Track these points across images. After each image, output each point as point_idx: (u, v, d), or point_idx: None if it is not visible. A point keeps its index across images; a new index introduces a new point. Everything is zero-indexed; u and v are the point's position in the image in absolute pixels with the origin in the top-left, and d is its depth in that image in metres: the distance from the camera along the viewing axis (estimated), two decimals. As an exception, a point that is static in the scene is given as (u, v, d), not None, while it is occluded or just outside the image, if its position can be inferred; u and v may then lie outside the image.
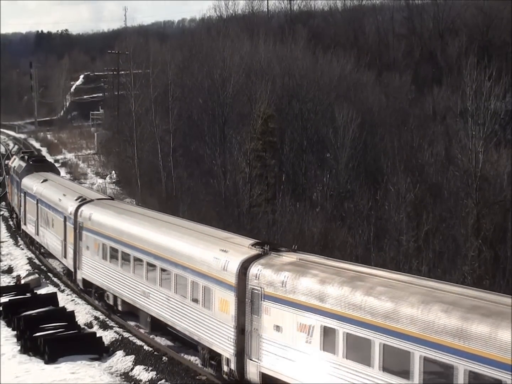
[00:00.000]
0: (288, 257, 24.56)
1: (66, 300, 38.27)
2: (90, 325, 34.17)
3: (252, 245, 25.93)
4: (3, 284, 41.81)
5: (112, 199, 43.39)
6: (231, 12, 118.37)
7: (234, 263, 25.04)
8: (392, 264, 44.87)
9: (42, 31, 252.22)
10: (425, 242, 48.49)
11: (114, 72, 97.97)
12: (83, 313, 35.78)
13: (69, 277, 42.11)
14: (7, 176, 69.57)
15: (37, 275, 43.00)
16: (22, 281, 41.98)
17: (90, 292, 37.74)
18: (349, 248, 49.08)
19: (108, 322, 34.50)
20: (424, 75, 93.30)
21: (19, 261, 49.12)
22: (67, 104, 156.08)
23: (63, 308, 35.49)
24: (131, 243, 32.43)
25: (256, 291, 23.98)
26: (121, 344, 31.12)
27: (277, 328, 23.22)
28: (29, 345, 30.58)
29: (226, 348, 25.38)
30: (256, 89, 63.01)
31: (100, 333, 32.29)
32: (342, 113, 62.07)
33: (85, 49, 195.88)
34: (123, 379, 27.86)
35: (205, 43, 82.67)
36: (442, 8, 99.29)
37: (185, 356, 29.35)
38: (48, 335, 30.77)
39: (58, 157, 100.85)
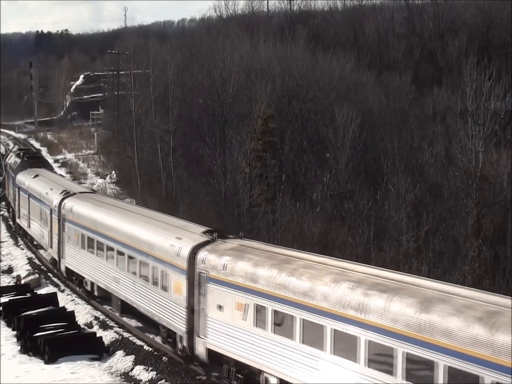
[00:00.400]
0: (231, 243, 27.27)
1: (66, 300, 38.28)
2: (90, 325, 34.18)
3: (203, 233, 28.58)
4: (3, 284, 41.83)
5: (94, 192, 46.84)
6: (231, 12, 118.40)
7: (185, 249, 27.68)
8: (392, 264, 44.85)
9: (42, 31, 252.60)
10: (425, 242, 48.48)
11: (114, 72, 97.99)
12: (83, 313, 35.79)
13: (54, 266, 44.92)
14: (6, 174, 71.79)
15: (37, 275, 43.01)
16: (22, 281, 42.00)
17: (73, 279, 40.70)
18: (349, 248, 49.07)
19: (108, 322, 34.51)
20: (424, 75, 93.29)
21: (19, 261, 49.14)
22: (67, 104, 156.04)
23: (63, 308, 35.51)
24: (104, 233, 35.35)
25: (203, 274, 26.52)
26: (121, 344, 31.14)
27: (220, 307, 25.78)
28: (29, 345, 30.59)
29: (179, 327, 28.15)
30: (256, 89, 62.99)
31: (100, 333, 32.31)
32: (342, 113, 62.05)
33: (85, 49, 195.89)
34: (123, 379, 27.88)
35: (205, 43, 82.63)
36: (442, 8, 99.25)
37: (150, 336, 32.48)
38: (48, 335, 30.79)
39: (58, 157, 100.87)
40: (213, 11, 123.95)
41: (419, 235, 49.21)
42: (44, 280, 43.11)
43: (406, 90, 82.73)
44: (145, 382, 27.25)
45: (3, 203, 71.03)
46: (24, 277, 42.60)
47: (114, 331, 32.92)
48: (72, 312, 34.41)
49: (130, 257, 32.52)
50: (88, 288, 38.19)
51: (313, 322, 21.97)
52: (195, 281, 26.93)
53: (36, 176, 52.77)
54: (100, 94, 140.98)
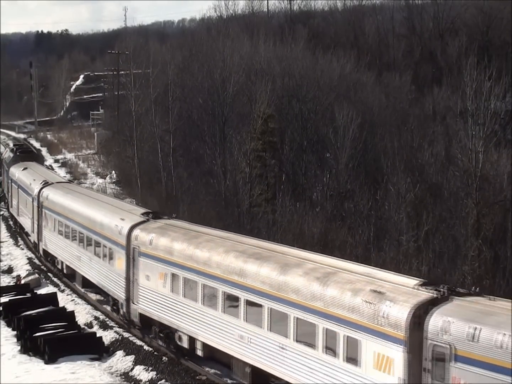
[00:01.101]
0: (160, 223, 32.28)
1: (66, 300, 38.30)
2: (90, 325, 34.19)
3: (142, 214, 33.64)
4: (3, 284, 41.85)
5: (69, 182, 53.44)
6: (231, 12, 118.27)
7: (125, 228, 32.64)
8: (392, 264, 44.84)
9: (42, 31, 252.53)
10: (425, 242, 48.45)
11: (114, 72, 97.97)
12: (83, 313, 35.80)
13: (35, 249, 50.18)
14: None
15: (37, 275, 43.04)
16: (22, 281, 42.02)
17: (48, 260, 46.60)
18: (349, 248, 49.05)
19: (108, 322, 34.52)
20: (424, 75, 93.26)
21: (19, 261, 49.16)
22: (67, 104, 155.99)
23: (63, 308, 35.52)
24: (71, 217, 40.67)
25: (136, 249, 31.50)
26: (121, 344, 31.14)
27: (148, 277, 30.77)
28: (29, 345, 30.60)
29: (120, 295, 33.24)
30: (256, 89, 62.96)
31: (100, 333, 32.32)
32: (342, 113, 62.02)
33: (85, 49, 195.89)
34: (123, 379, 27.89)
35: (205, 43, 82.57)
36: (442, 8, 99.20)
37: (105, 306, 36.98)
38: (48, 335, 30.79)
39: (58, 157, 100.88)
40: (213, 11, 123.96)
41: (419, 235, 49.19)
42: (44, 280, 43.12)
43: (406, 90, 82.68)
44: (145, 382, 27.25)
45: (3, 203, 71.12)
46: (24, 277, 42.62)
47: (114, 331, 32.92)
48: (72, 312, 34.42)
49: (87, 238, 37.85)
50: (59, 267, 43.81)
51: (210, 286, 27.16)
52: (131, 255, 31.92)
53: (25, 168, 57.85)
54: (100, 94, 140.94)
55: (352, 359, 20.68)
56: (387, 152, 61.85)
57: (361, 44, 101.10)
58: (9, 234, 59.10)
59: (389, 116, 73.27)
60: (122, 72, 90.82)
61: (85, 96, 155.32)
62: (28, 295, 38.09)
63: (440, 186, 55.47)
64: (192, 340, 28.27)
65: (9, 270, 47.13)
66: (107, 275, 35.03)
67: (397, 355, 19.43)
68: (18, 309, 34.42)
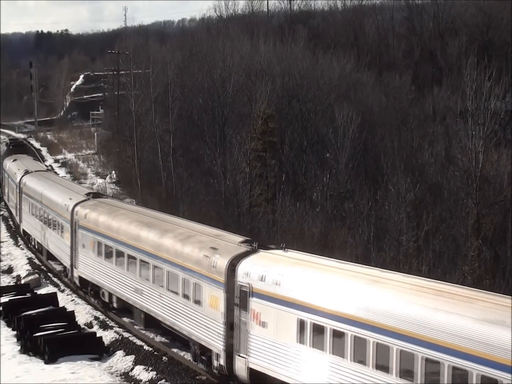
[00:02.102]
0: (96, 201, 39.24)
1: (66, 300, 38.30)
2: (90, 325, 34.18)
3: (85, 194, 41.15)
4: (3, 284, 41.84)
5: (47, 171, 60.32)
6: (231, 12, 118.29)
7: (70, 206, 39.52)
8: (392, 264, 44.84)
9: (42, 31, 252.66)
10: (425, 242, 48.44)
11: (114, 72, 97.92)
12: (83, 313, 35.80)
13: (17, 229, 57.16)
14: None
15: (37, 275, 43.03)
16: (22, 281, 42.00)
17: (28, 237, 53.82)
18: (349, 248, 49.05)
19: (108, 322, 34.52)
20: (424, 75, 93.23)
21: (19, 261, 49.17)
22: (67, 104, 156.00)
23: (63, 308, 35.51)
24: (37, 199, 47.70)
25: (76, 223, 38.08)
26: (121, 344, 31.13)
27: (83, 246, 37.31)
28: (29, 345, 30.59)
29: (67, 262, 40.08)
30: (256, 89, 62.98)
31: (100, 333, 32.31)
32: (342, 113, 62.02)
33: (85, 49, 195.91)
34: (123, 379, 27.87)
35: (205, 43, 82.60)
36: (442, 8, 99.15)
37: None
38: (48, 335, 30.78)
39: (58, 157, 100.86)
40: (213, 11, 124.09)
41: (419, 235, 49.18)
42: (44, 280, 43.12)
43: (406, 90, 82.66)
44: (145, 382, 27.24)
45: (3, 203, 71.13)
46: (24, 277, 42.61)
47: (114, 331, 32.92)
48: (72, 312, 34.42)
49: (48, 216, 44.90)
50: (33, 243, 51.48)
51: (120, 250, 33.01)
52: (73, 228, 38.70)
53: (14, 160, 65.32)
54: (100, 94, 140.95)
55: (198, 300, 27.17)
56: (387, 152, 61.86)
57: (361, 44, 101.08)
58: (9, 234, 59.10)
59: (389, 116, 73.25)
60: (122, 72, 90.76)
61: (85, 96, 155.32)
62: (28, 295, 38.08)
63: (440, 186, 55.47)
64: (110, 295, 34.93)
65: (9, 270, 47.14)
66: (60, 246, 42.09)
67: (221, 295, 25.67)
68: (18, 309, 34.41)
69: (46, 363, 29.43)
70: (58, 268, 45.09)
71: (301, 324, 22.15)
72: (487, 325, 17.55)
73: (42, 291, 40.25)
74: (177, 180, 64.00)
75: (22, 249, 53.32)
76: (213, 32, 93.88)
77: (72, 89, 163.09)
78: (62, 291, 40.50)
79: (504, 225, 50.02)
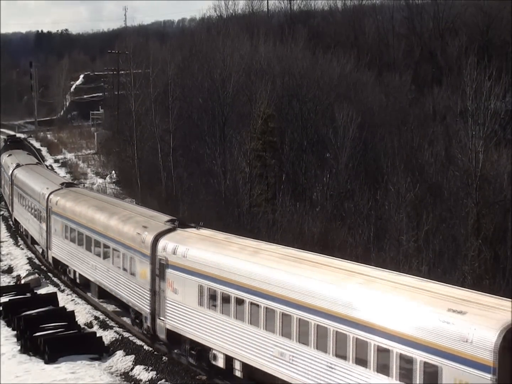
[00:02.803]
0: (67, 189, 45.50)
1: (66, 300, 38.30)
2: (90, 325, 34.18)
3: (60, 184, 46.83)
4: (3, 284, 41.84)
5: (36, 164, 66.05)
6: (231, 12, 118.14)
7: (46, 194, 45.09)
8: (392, 264, 44.83)
9: (42, 31, 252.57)
10: (425, 242, 48.43)
11: (114, 72, 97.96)
12: (83, 313, 35.80)
13: (17, 229, 60.25)
14: None
15: (37, 275, 43.02)
16: (22, 281, 42.00)
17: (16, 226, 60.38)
18: (349, 248, 49.04)
19: (108, 322, 34.52)
20: (424, 75, 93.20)
21: (19, 261, 49.17)
22: (67, 104, 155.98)
23: (63, 308, 35.51)
24: (24, 189, 54.16)
25: (50, 209, 43.92)
26: (121, 344, 31.13)
27: (55, 230, 42.77)
28: (29, 345, 30.58)
29: (43, 244, 46.30)
30: (256, 89, 62.97)
31: (100, 333, 32.31)
32: (342, 113, 62.02)
33: (85, 49, 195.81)
34: (123, 379, 27.88)
35: (205, 43, 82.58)
36: (442, 8, 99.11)
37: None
38: (48, 335, 30.79)
39: (58, 157, 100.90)
40: (213, 11, 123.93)
41: (419, 235, 49.17)
42: (44, 280, 43.11)
43: (406, 90, 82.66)
44: (145, 382, 27.25)
45: (3, 203, 71.17)
46: (24, 277, 42.60)
47: (114, 331, 32.92)
48: (72, 312, 34.42)
49: (30, 204, 50.77)
50: (21, 230, 57.37)
51: (80, 232, 38.64)
52: (48, 214, 43.69)
53: (10, 155, 71.43)
54: (100, 94, 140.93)
55: (133, 272, 31.89)
56: (387, 152, 61.85)
57: (361, 44, 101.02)
58: (9, 234, 59.11)
59: (389, 116, 73.24)
60: (122, 72, 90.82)
61: (85, 96, 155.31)
62: (28, 295, 38.08)
63: (440, 186, 55.46)
64: (74, 272, 40.26)
65: (9, 270, 47.14)
66: (39, 231, 47.39)
67: (147, 267, 30.36)
68: (18, 309, 34.40)
69: (46, 363, 29.43)
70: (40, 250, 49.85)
71: (201, 289, 26.98)
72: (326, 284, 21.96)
73: (42, 291, 40.26)
74: (177, 180, 64.00)
75: (22, 249, 53.32)
76: (213, 32, 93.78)
77: (72, 89, 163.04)
78: (62, 291, 40.51)
79: (504, 225, 50.01)
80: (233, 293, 25.09)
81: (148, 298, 30.35)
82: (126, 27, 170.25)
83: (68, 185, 47.20)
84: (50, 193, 44.41)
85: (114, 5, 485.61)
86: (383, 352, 19.50)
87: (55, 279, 43.57)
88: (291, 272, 23.29)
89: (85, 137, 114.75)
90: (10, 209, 63.72)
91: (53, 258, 43.70)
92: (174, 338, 28.90)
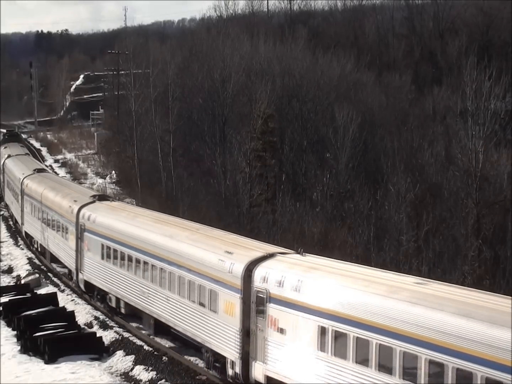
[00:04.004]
0: (38, 175, 53.43)
1: (66, 300, 38.27)
2: (90, 325, 34.17)
3: (33, 170, 55.71)
4: (3, 284, 41.80)
5: (25, 155, 74.85)
6: (231, 12, 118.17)
7: (21, 179, 53.89)
8: (392, 264, 44.84)
9: (42, 31, 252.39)
10: (425, 242, 48.46)
11: (114, 72, 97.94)
12: (83, 313, 35.77)
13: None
14: None
15: (37, 275, 43.00)
16: (22, 281, 41.97)
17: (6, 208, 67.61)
18: (349, 248, 49.06)
19: (108, 322, 34.50)
20: (424, 75, 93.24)
21: (19, 261, 49.14)
22: (67, 104, 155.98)
23: (63, 308, 35.48)
24: (10, 177, 60.43)
25: (23, 191, 51.89)
26: (121, 344, 31.10)
27: (27, 207, 50.61)
28: (29, 345, 30.55)
29: (20, 221, 55.00)
30: (256, 89, 62.97)
31: (100, 333, 32.28)
32: (342, 113, 62.04)
33: (85, 49, 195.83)
34: (123, 379, 27.85)
35: (205, 43, 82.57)
36: (442, 8, 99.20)
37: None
38: (48, 335, 30.75)
39: (58, 157, 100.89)
40: (213, 11, 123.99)
41: (419, 235, 49.20)
42: (44, 280, 43.10)
43: (406, 90, 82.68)
44: (145, 382, 27.23)
45: (3, 203, 71.19)
46: (24, 277, 42.58)
47: (114, 331, 32.90)
48: (72, 312, 34.39)
49: (13, 189, 58.68)
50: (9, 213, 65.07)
51: (44, 210, 45.39)
52: (23, 195, 51.56)
53: (5, 147, 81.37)
54: (100, 94, 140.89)
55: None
56: (387, 152, 61.87)
57: (361, 44, 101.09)
58: (9, 234, 59.10)
59: (389, 116, 73.27)
60: (122, 72, 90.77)
61: (85, 96, 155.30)
62: (28, 295, 38.05)
63: (440, 186, 55.48)
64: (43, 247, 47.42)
65: (9, 270, 47.12)
66: (17, 210, 56.27)
67: (73, 233, 38.36)
68: (18, 309, 34.37)
69: (46, 363, 29.40)
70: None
71: (102, 247, 34.77)
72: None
73: (42, 291, 40.22)
74: (177, 180, 63.99)
75: (22, 249, 53.32)
76: (213, 32, 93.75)
77: (72, 89, 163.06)
78: (62, 291, 40.48)
79: (504, 225, 50.03)
80: (118, 248, 32.67)
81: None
82: (126, 27, 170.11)
83: (39, 170, 56.24)
84: (24, 178, 53.92)
85: (114, 5, 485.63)
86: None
87: (55, 279, 43.56)
88: (151, 230, 30.66)
89: (85, 137, 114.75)
90: (3, 195, 70.22)
91: (26, 232, 50.04)
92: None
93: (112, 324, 34.17)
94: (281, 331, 22.39)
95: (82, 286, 38.04)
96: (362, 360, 19.58)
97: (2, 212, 68.51)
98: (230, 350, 24.48)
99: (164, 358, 29.15)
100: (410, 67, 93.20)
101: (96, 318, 35.08)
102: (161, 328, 30.50)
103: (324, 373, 20.91)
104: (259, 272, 23.28)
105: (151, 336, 31.50)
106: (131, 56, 78.94)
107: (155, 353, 29.80)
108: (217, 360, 25.73)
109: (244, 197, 56.50)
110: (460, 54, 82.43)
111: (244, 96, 67.36)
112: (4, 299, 36.81)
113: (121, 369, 28.83)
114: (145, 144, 71.38)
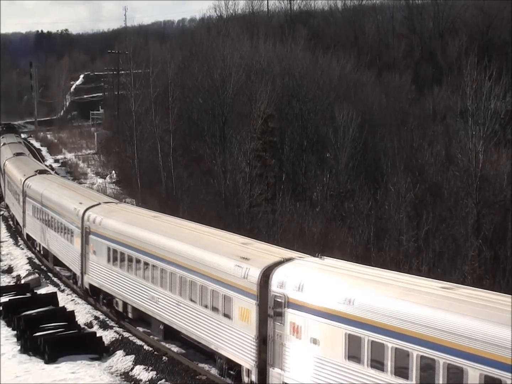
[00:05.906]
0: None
1: (66, 300, 38.25)
2: (90, 325, 34.15)
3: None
4: (3, 284, 41.79)
5: (18, 143, 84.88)
6: (231, 12, 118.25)
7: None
8: (392, 264, 44.84)
9: (42, 31, 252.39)
10: (425, 242, 48.47)
11: (114, 72, 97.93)
12: (83, 313, 35.75)
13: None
14: None
15: (37, 275, 42.98)
16: (22, 281, 41.95)
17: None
18: (349, 248, 49.05)
19: (108, 322, 34.49)
20: (424, 75, 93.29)
21: (19, 261, 49.12)
22: (67, 104, 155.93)
23: (63, 308, 35.46)
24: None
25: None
26: (121, 344, 31.08)
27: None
28: (29, 345, 30.54)
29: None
30: (256, 89, 63.00)
31: (100, 333, 32.26)
32: (342, 113, 62.06)
33: (85, 49, 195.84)
34: (123, 379, 27.83)
35: (205, 43, 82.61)
36: (442, 8, 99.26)
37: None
38: (48, 335, 30.74)
39: (58, 157, 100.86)
40: (213, 11, 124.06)
41: (419, 235, 49.21)
42: (44, 280, 43.08)
43: (406, 90, 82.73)
44: (145, 382, 27.21)
45: (3, 202, 71.18)
46: (24, 277, 42.57)
47: (114, 331, 32.88)
48: (72, 312, 34.38)
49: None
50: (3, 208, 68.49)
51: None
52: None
53: (3, 137, 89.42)
54: (100, 94, 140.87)
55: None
56: (387, 152, 61.89)
57: (361, 44, 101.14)
58: (9, 234, 59.09)
59: (389, 116, 73.31)
60: (122, 72, 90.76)
61: (85, 96, 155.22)
62: (28, 295, 38.04)
63: (440, 186, 55.49)
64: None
65: (9, 270, 47.10)
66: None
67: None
68: (18, 309, 34.36)
69: (46, 363, 29.39)
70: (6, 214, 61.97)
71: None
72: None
73: (42, 291, 40.21)
74: (177, 180, 63.99)
75: (22, 249, 53.31)
76: (213, 32, 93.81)
77: (72, 89, 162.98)
78: (62, 291, 40.47)
79: (504, 225, 50.04)
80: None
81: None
82: (126, 27, 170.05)
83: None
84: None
85: (114, 5, 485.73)
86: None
87: (55, 279, 43.55)
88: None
89: (85, 137, 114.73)
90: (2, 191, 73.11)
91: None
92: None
93: (112, 324, 34.15)
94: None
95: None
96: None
97: (2, 212, 68.50)
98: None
99: (164, 358, 29.14)
100: (410, 67, 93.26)
101: (96, 318, 35.07)
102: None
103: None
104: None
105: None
106: (131, 56, 78.90)
107: (155, 353, 29.79)
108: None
109: (244, 197, 56.51)
110: (460, 54, 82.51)
111: (244, 96, 67.38)
112: (4, 299, 36.79)
113: (121, 369, 28.81)
114: (145, 144, 71.38)
